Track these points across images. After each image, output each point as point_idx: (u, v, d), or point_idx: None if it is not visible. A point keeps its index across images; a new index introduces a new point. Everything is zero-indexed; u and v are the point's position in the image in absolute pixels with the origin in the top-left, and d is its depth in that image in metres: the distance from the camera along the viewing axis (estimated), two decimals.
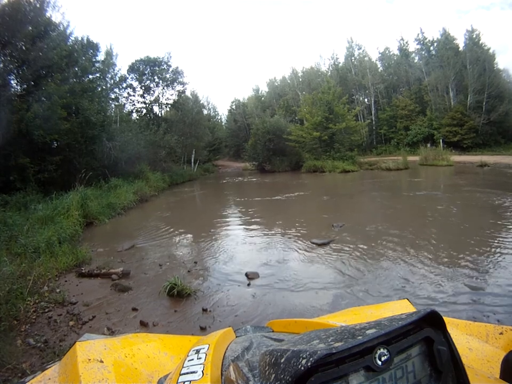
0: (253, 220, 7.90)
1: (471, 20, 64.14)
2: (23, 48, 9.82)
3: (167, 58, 22.84)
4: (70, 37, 12.50)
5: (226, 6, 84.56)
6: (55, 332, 3.06)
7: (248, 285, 4.07)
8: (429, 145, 22.39)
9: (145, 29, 78.75)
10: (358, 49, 31.41)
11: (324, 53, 65.85)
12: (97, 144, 11.90)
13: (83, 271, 4.60)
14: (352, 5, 62.70)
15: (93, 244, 6.21)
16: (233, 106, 40.02)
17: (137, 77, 22.50)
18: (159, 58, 22.71)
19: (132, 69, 22.40)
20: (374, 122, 28.38)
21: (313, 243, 5.48)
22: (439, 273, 3.98)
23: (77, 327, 3.17)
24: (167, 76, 23.04)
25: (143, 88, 22.76)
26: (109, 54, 17.80)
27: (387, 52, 31.20)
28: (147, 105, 23.35)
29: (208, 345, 0.69)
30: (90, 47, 14.24)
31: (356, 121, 23.29)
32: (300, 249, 5.34)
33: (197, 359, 0.64)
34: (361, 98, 30.60)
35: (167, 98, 23.66)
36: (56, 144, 10.43)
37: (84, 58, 12.86)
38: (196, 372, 0.59)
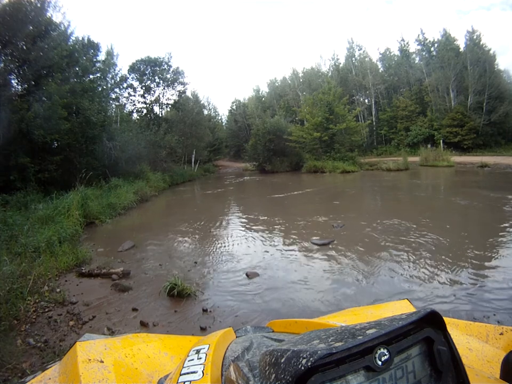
0: (253, 220, 7.89)
1: (471, 21, 64.28)
2: (24, 47, 9.84)
3: (168, 58, 22.91)
4: (71, 37, 12.54)
5: (227, 6, 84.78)
6: (55, 332, 3.06)
7: (249, 285, 4.07)
8: (429, 146, 22.38)
9: (146, 29, 79.06)
10: (359, 50, 31.45)
11: (325, 54, 66.43)
12: (97, 144, 11.91)
13: (83, 270, 4.60)
14: (353, 6, 62.86)
15: (93, 243, 6.21)
16: (234, 107, 39.97)
17: (138, 77, 22.52)
18: (160, 58, 22.74)
19: (133, 69, 22.42)
20: (374, 123, 28.36)
21: (313, 243, 5.48)
22: (439, 274, 3.98)
23: (77, 327, 3.17)
24: (168, 76, 23.06)
25: (143, 88, 22.77)
26: (109, 54, 17.85)
27: (388, 52, 31.24)
28: (147, 105, 23.36)
29: (208, 346, 0.69)
30: (91, 47, 14.26)
31: (356, 121, 23.28)
32: (300, 249, 5.35)
33: (197, 359, 0.64)
34: (361, 99, 30.59)
35: (168, 98, 23.73)
36: (56, 144, 10.44)
37: (84, 58, 12.88)
38: (196, 372, 0.59)
